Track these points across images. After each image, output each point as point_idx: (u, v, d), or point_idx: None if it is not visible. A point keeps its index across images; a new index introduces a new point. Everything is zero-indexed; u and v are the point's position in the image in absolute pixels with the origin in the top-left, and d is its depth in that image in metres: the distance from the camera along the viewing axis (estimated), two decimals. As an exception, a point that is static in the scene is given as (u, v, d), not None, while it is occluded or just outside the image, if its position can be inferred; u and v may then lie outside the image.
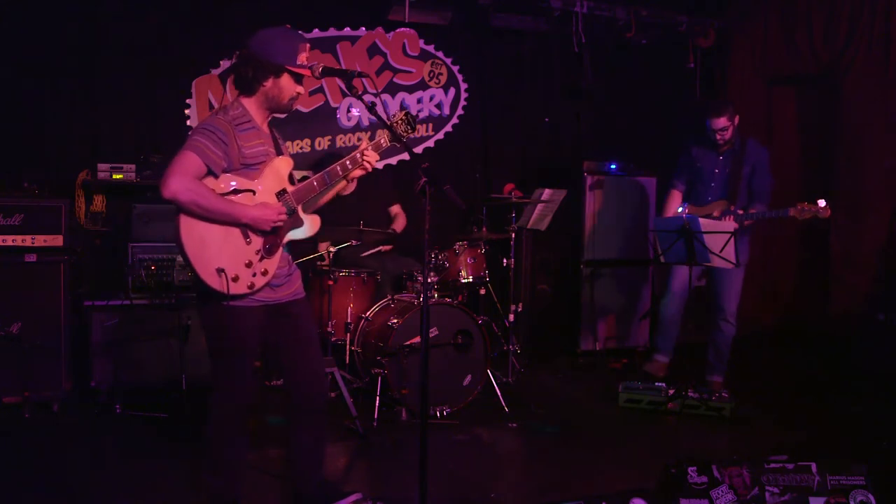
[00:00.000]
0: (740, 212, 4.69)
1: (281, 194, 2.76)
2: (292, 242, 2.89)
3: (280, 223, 2.72)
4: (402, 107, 6.03)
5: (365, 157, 2.90)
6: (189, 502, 3.20)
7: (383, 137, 2.92)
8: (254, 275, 2.69)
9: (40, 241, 4.33)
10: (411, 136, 3.05)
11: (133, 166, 4.84)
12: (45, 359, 4.26)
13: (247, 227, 2.67)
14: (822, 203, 4.47)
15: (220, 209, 2.59)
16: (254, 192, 2.70)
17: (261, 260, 2.71)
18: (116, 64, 5.17)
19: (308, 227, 2.88)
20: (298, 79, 2.75)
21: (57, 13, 4.98)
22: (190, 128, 5.39)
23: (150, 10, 5.23)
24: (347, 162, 2.88)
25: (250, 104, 2.76)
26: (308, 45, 2.79)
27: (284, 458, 3.52)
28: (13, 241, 4.28)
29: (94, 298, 4.47)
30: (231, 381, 2.79)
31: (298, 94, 2.79)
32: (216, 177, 2.62)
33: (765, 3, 6.43)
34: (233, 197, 2.65)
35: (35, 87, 4.99)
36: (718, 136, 4.78)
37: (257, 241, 2.71)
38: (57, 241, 4.36)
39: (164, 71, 5.30)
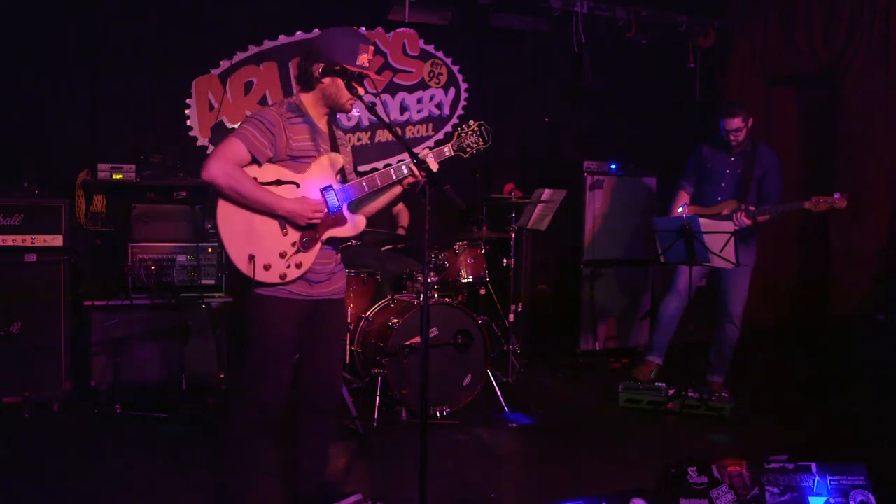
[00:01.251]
0: (752, 207, 4.69)
1: (325, 190, 2.75)
2: (336, 240, 2.85)
3: (315, 220, 2.71)
4: (403, 107, 6.04)
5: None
6: (189, 502, 3.20)
7: (448, 147, 2.86)
8: (287, 266, 2.69)
9: (40, 241, 4.33)
10: (481, 148, 2.90)
11: (133, 166, 4.84)
12: (45, 359, 4.25)
13: (282, 220, 2.68)
14: (837, 195, 4.52)
15: (256, 197, 2.61)
16: (297, 185, 2.70)
17: (296, 252, 2.70)
18: (116, 64, 5.17)
19: (351, 226, 2.84)
20: (359, 79, 2.74)
21: (57, 13, 4.98)
22: (190, 128, 5.40)
23: (150, 10, 5.23)
24: (403, 168, 2.79)
25: (308, 99, 2.78)
26: (372, 47, 2.78)
27: (284, 458, 3.52)
28: (13, 241, 4.28)
29: (94, 298, 4.47)
30: (259, 374, 2.76)
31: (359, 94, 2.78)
32: (260, 165, 2.65)
33: (765, 3, 6.42)
34: (275, 188, 2.66)
35: (35, 87, 4.99)
36: (732, 137, 4.78)
37: (294, 234, 2.70)
38: (57, 241, 4.36)
39: (164, 71, 5.30)
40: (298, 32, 5.65)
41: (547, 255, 6.24)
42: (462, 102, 6.26)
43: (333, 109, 2.83)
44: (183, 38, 5.36)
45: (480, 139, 2.88)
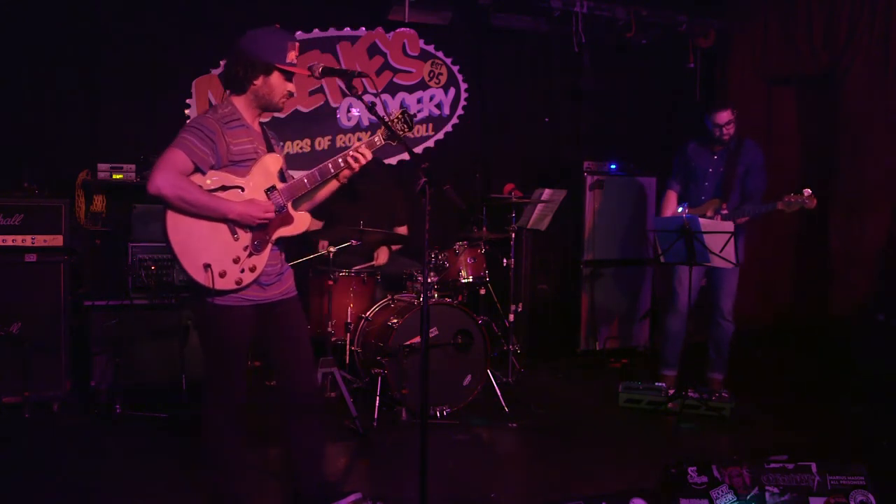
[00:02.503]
0: (725, 210, 4.69)
1: (270, 191, 2.76)
2: (286, 240, 2.88)
3: (266, 220, 2.72)
4: (402, 106, 6.03)
5: (354, 155, 2.86)
6: (189, 502, 3.20)
7: (378, 136, 2.90)
8: (242, 271, 2.70)
9: (40, 241, 4.33)
10: (408, 134, 3.01)
11: (133, 166, 4.85)
12: (45, 359, 4.25)
13: (234, 223, 2.68)
14: (807, 192, 4.45)
15: (205, 204, 2.61)
16: (242, 189, 2.71)
17: (249, 256, 2.71)
18: (116, 64, 5.17)
19: (298, 223, 2.87)
20: (289, 77, 2.75)
21: (57, 13, 4.98)
22: (190, 128, 5.39)
23: (151, 10, 5.24)
24: (340, 160, 2.86)
25: (240, 102, 2.78)
26: (298, 43, 2.79)
27: (284, 458, 3.52)
28: (13, 241, 4.28)
29: (94, 298, 4.47)
30: (222, 380, 2.80)
31: (290, 92, 2.79)
32: (203, 173, 2.64)
33: (765, 3, 6.42)
34: (221, 193, 2.66)
35: (35, 87, 4.99)
36: (725, 132, 4.76)
37: (245, 238, 2.71)
38: (57, 241, 4.36)
39: (164, 71, 5.30)
40: (298, 32, 5.65)
41: (547, 255, 6.24)
42: (462, 102, 6.26)
43: (265, 109, 2.82)
44: (183, 38, 5.36)
45: (405, 125, 2.94)
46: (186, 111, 5.39)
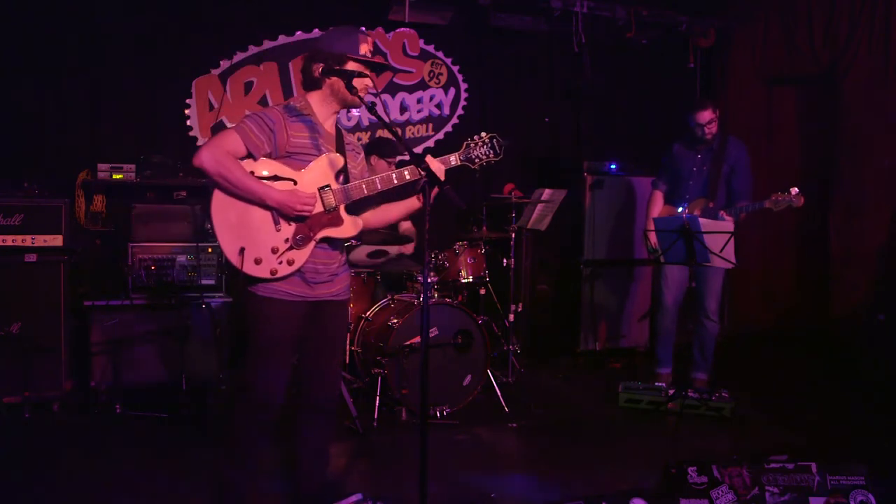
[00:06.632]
0: (711, 205, 4.69)
1: (323, 189, 2.74)
2: (334, 240, 2.82)
3: (304, 213, 2.69)
4: (403, 107, 6.03)
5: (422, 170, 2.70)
6: (189, 502, 3.20)
7: (454, 156, 2.81)
8: (279, 262, 2.68)
9: (40, 241, 4.33)
10: (492, 161, 2.83)
11: (133, 166, 4.85)
12: (45, 359, 4.25)
13: (275, 212, 2.68)
14: (794, 191, 4.41)
15: (245, 186, 2.62)
16: (294, 182, 2.70)
17: (289, 249, 2.70)
18: (116, 64, 5.17)
19: (347, 227, 2.81)
20: (366, 67, 2.74)
21: (57, 13, 4.98)
22: (190, 128, 5.40)
23: (151, 9, 5.23)
24: (406, 172, 2.76)
25: (315, 98, 2.79)
26: (372, 38, 2.79)
27: (285, 458, 3.52)
28: (13, 241, 4.28)
29: (94, 298, 4.47)
30: (260, 377, 2.76)
31: (367, 85, 2.75)
32: (255, 159, 2.66)
33: (765, 3, 6.43)
34: (272, 183, 2.66)
35: (35, 87, 4.98)
36: (707, 131, 4.76)
37: (287, 230, 2.70)
38: (57, 241, 4.36)
39: (164, 71, 5.30)
40: (298, 32, 5.65)
41: (547, 255, 6.24)
42: (462, 102, 6.26)
43: (344, 104, 2.82)
44: (183, 38, 5.36)
45: (491, 151, 2.82)
46: (186, 111, 5.39)
